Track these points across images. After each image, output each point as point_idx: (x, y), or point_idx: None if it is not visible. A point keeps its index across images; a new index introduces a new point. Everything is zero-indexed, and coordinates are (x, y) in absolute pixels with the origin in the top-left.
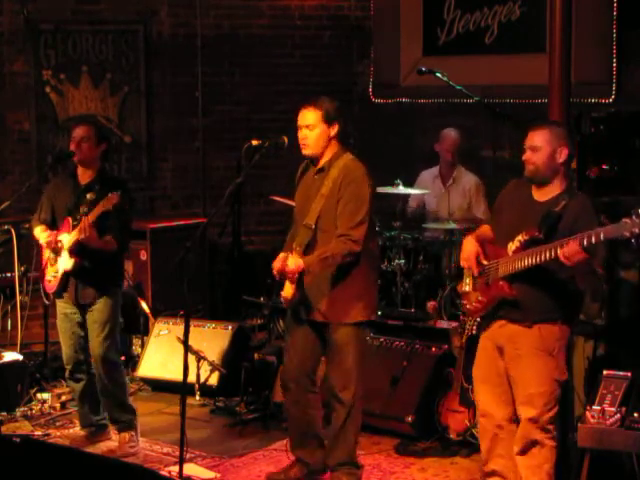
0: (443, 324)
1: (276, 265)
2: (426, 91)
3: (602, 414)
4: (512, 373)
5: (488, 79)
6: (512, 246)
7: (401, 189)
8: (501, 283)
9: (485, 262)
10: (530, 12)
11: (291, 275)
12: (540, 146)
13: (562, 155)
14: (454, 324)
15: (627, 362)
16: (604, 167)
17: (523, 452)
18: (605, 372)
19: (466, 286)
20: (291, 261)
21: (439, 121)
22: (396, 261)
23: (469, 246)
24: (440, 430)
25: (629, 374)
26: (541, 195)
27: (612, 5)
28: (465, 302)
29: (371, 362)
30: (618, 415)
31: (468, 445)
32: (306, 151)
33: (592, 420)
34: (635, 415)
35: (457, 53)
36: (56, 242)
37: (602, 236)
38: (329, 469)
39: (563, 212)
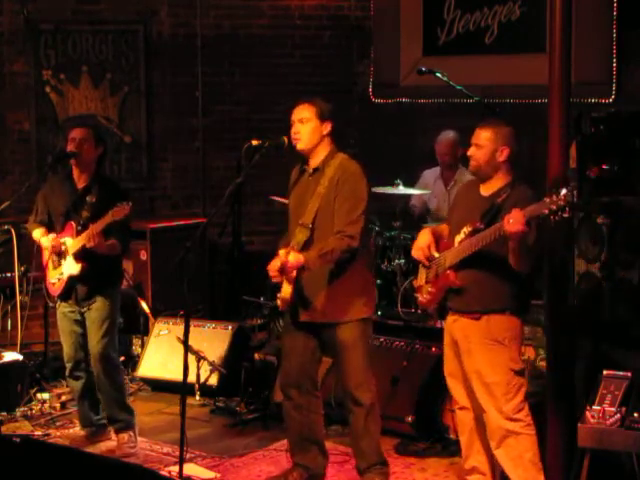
0: (443, 324)
1: (275, 263)
2: (426, 91)
3: (602, 414)
4: (467, 368)
5: (488, 79)
6: (458, 238)
7: (401, 189)
8: (447, 272)
9: (436, 254)
10: (530, 12)
11: (290, 270)
12: (483, 144)
13: (503, 154)
14: None
15: (627, 362)
16: (604, 167)
17: (499, 445)
18: (605, 372)
19: (420, 280)
20: (292, 256)
21: (439, 121)
22: (396, 261)
23: (423, 237)
24: (440, 430)
25: (629, 374)
26: (486, 190)
27: (612, 5)
28: (418, 295)
29: (371, 362)
30: (618, 415)
31: None
32: (299, 145)
33: (592, 420)
34: (635, 415)
35: (457, 53)
36: (60, 245)
37: (527, 215)
38: (360, 472)
39: (504, 203)
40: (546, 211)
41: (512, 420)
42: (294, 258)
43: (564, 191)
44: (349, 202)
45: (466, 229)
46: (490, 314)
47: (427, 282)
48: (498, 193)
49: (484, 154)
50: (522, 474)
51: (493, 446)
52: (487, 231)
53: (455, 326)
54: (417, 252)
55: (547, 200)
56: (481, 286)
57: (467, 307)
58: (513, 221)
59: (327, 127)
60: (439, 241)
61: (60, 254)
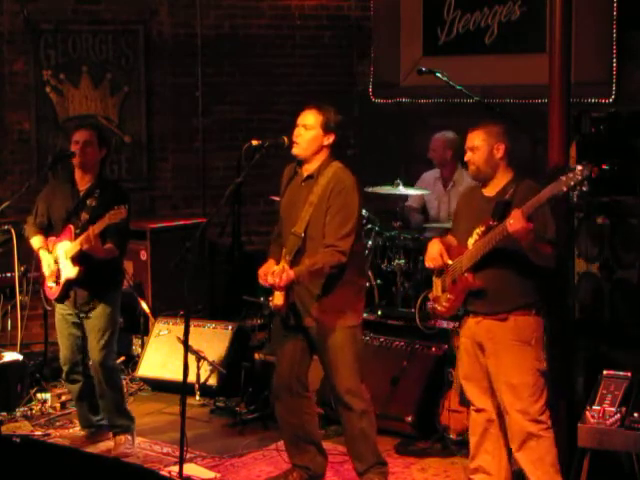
0: (443, 324)
1: (264, 278)
2: (426, 91)
3: (602, 414)
4: (493, 369)
5: (488, 79)
6: (471, 240)
7: (401, 189)
8: (466, 275)
9: (450, 262)
10: (530, 12)
11: (282, 288)
12: (477, 146)
13: (500, 151)
14: (454, 324)
15: (627, 362)
16: (604, 167)
17: (521, 448)
18: (605, 372)
19: (436, 291)
20: (284, 276)
21: (439, 121)
22: (396, 261)
23: (434, 247)
24: (440, 430)
25: (629, 374)
26: (490, 191)
27: (612, 5)
28: (436, 306)
29: (371, 362)
30: (618, 415)
31: (468, 445)
32: (296, 150)
33: (592, 420)
34: (635, 415)
35: (457, 53)
36: (57, 258)
37: (543, 198)
38: (358, 474)
39: (512, 199)
40: (565, 188)
41: (536, 422)
42: (285, 277)
43: (579, 166)
44: (340, 216)
45: (479, 230)
46: (517, 314)
47: (444, 291)
48: (504, 190)
49: (480, 155)
50: (542, 476)
51: (514, 449)
52: (495, 230)
53: (479, 328)
54: (431, 262)
55: (563, 178)
56: (502, 284)
57: (491, 309)
58: (514, 221)
59: (329, 139)
60: (449, 250)
61: (57, 261)
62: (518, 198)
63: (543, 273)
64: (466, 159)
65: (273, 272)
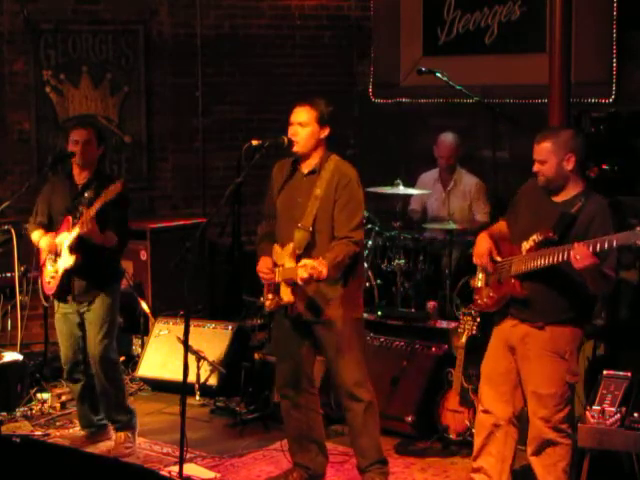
0: (443, 324)
1: (270, 275)
2: (426, 91)
3: (602, 414)
4: (523, 372)
5: (488, 79)
6: (526, 245)
7: (401, 189)
8: (513, 281)
9: (498, 259)
10: (530, 12)
11: (313, 281)
12: (545, 159)
13: (570, 162)
14: (454, 324)
15: (627, 362)
16: (604, 167)
17: (537, 453)
18: (605, 372)
19: (479, 282)
20: (324, 270)
21: (439, 121)
22: (396, 261)
23: (483, 243)
24: (440, 430)
25: (629, 374)
26: (558, 196)
27: (612, 5)
28: (477, 297)
29: (371, 362)
30: (618, 415)
31: (468, 445)
32: (296, 148)
33: (592, 420)
34: (635, 415)
35: (457, 53)
36: (56, 246)
37: (614, 243)
38: (360, 470)
39: (578, 213)
40: (639, 242)
41: (556, 430)
42: (323, 270)
43: None
44: (349, 208)
45: (536, 237)
46: (554, 325)
47: (487, 285)
48: (572, 201)
49: (549, 168)
50: None
51: (529, 452)
52: (555, 252)
53: (514, 331)
54: (479, 259)
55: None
56: (546, 297)
57: (530, 316)
58: (580, 257)
59: (325, 132)
60: (499, 243)
61: (57, 254)
62: (585, 216)
63: (588, 292)
64: (535, 170)
65: (312, 266)
